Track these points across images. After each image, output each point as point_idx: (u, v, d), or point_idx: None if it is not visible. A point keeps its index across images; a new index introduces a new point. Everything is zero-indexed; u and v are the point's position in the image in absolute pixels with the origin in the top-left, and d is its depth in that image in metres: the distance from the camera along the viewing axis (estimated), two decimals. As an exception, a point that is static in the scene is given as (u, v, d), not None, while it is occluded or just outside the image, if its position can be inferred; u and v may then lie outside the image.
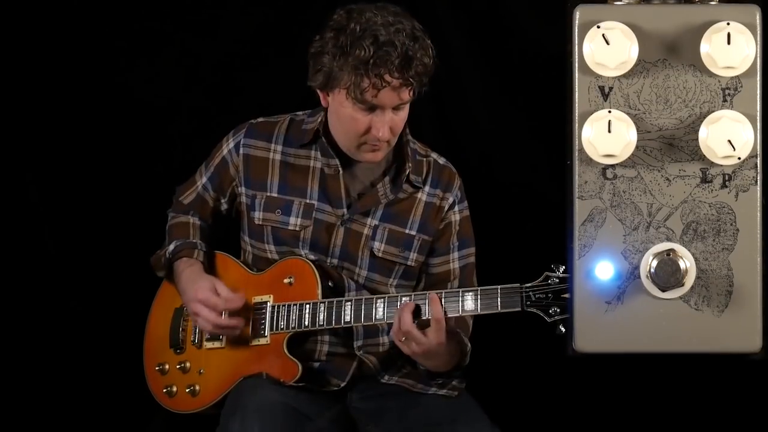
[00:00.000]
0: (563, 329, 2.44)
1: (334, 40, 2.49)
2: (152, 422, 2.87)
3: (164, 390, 2.78)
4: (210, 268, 2.79)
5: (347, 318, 2.61)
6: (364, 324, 2.63)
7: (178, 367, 2.76)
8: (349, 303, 2.61)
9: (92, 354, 3.49)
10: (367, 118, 2.54)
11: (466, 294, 2.54)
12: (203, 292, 2.66)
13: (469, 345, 2.68)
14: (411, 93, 2.53)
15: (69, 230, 3.53)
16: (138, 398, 2.87)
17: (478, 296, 2.53)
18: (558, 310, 2.47)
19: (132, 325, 2.93)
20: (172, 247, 2.79)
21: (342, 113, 2.57)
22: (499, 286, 2.53)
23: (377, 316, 2.58)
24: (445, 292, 2.56)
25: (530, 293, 2.50)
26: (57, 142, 3.51)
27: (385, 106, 2.53)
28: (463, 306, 2.54)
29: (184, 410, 2.75)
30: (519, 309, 2.51)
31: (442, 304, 2.52)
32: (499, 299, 2.52)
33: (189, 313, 2.71)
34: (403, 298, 2.57)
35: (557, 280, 2.48)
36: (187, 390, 2.74)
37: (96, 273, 3.53)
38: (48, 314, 3.52)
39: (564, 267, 2.47)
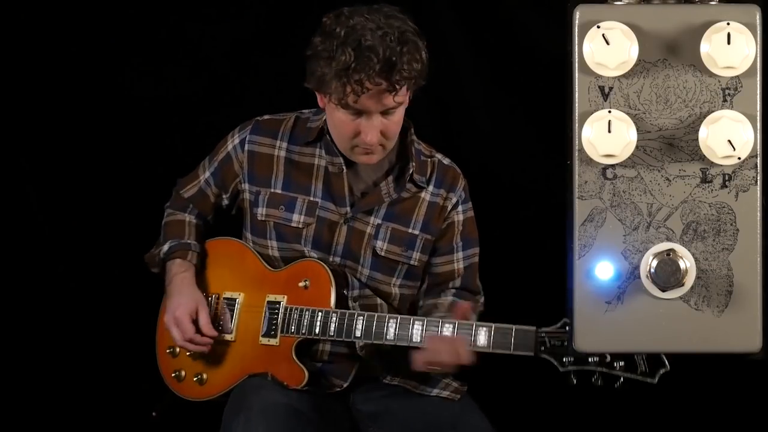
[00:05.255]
0: (575, 381, 2.42)
1: (323, 45, 2.50)
2: (161, 402, 2.87)
3: (173, 374, 2.78)
4: (223, 255, 2.80)
5: (357, 333, 2.62)
6: (374, 342, 2.63)
7: (188, 352, 2.77)
8: (361, 318, 2.61)
9: (101, 342, 3.51)
10: (355, 122, 2.55)
11: (480, 328, 2.52)
12: (181, 312, 2.69)
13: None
14: (397, 98, 2.51)
15: (72, 227, 3.53)
16: (148, 381, 2.89)
17: (492, 333, 2.51)
18: (572, 359, 2.43)
19: (140, 313, 2.94)
20: (166, 247, 2.80)
21: (333, 117, 2.59)
22: (514, 326, 2.50)
23: (388, 337, 2.59)
24: (458, 323, 2.54)
25: (545, 339, 2.47)
26: (56, 139, 3.51)
27: (370, 111, 2.52)
28: (475, 341, 2.53)
29: (191, 397, 2.76)
30: (532, 354, 2.48)
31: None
32: (513, 339, 2.49)
33: (165, 321, 2.73)
34: (416, 322, 2.57)
35: None
36: (194, 378, 2.75)
37: (101, 264, 3.54)
38: (55, 302, 3.54)
39: None
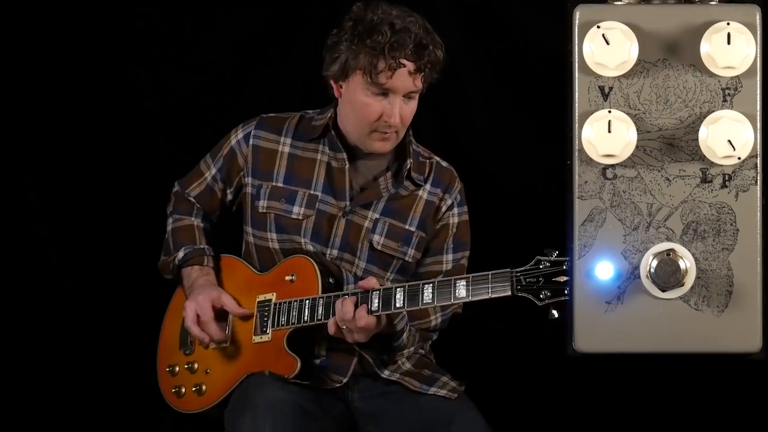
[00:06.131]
0: (555, 313, 2.42)
1: (353, 29, 2.60)
2: (161, 422, 2.88)
3: (173, 390, 2.80)
4: (217, 270, 2.85)
5: None
6: None
7: (186, 367, 2.80)
8: (347, 296, 2.62)
9: (102, 355, 3.51)
10: (379, 104, 2.62)
11: (459, 282, 2.54)
12: (203, 297, 2.72)
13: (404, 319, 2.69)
14: (421, 81, 2.62)
15: (73, 232, 3.54)
16: (148, 398, 2.89)
17: (470, 283, 2.53)
18: (549, 294, 2.44)
19: (142, 326, 2.95)
20: (181, 254, 2.83)
21: (355, 100, 2.64)
22: (489, 272, 2.52)
23: (372, 308, 2.59)
24: (437, 281, 2.56)
25: (521, 277, 2.48)
26: (56, 144, 3.51)
27: (397, 91, 2.61)
28: (455, 294, 2.54)
29: (191, 410, 2.77)
30: (509, 294, 2.49)
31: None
32: (489, 285, 2.51)
33: (184, 305, 2.74)
34: (397, 290, 2.57)
35: (548, 264, 2.46)
36: (193, 389, 2.77)
37: (101, 273, 3.54)
38: (56, 314, 3.53)
39: (557, 251, 2.45)
